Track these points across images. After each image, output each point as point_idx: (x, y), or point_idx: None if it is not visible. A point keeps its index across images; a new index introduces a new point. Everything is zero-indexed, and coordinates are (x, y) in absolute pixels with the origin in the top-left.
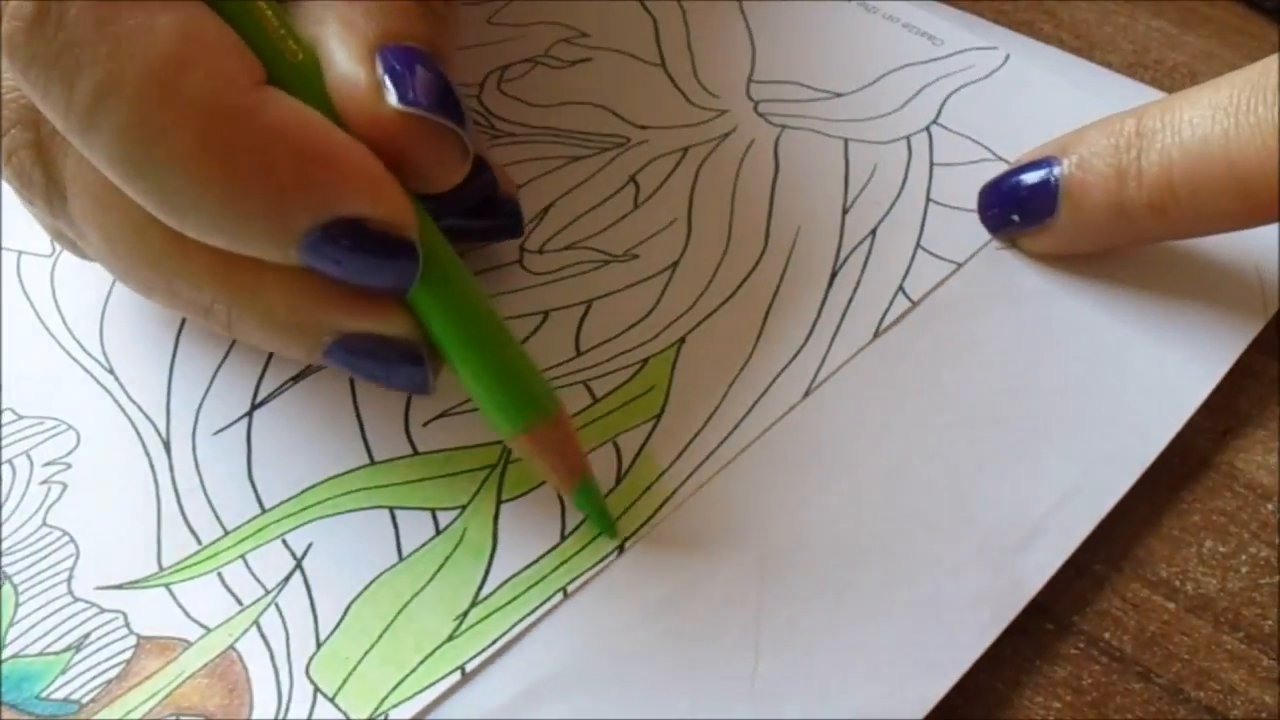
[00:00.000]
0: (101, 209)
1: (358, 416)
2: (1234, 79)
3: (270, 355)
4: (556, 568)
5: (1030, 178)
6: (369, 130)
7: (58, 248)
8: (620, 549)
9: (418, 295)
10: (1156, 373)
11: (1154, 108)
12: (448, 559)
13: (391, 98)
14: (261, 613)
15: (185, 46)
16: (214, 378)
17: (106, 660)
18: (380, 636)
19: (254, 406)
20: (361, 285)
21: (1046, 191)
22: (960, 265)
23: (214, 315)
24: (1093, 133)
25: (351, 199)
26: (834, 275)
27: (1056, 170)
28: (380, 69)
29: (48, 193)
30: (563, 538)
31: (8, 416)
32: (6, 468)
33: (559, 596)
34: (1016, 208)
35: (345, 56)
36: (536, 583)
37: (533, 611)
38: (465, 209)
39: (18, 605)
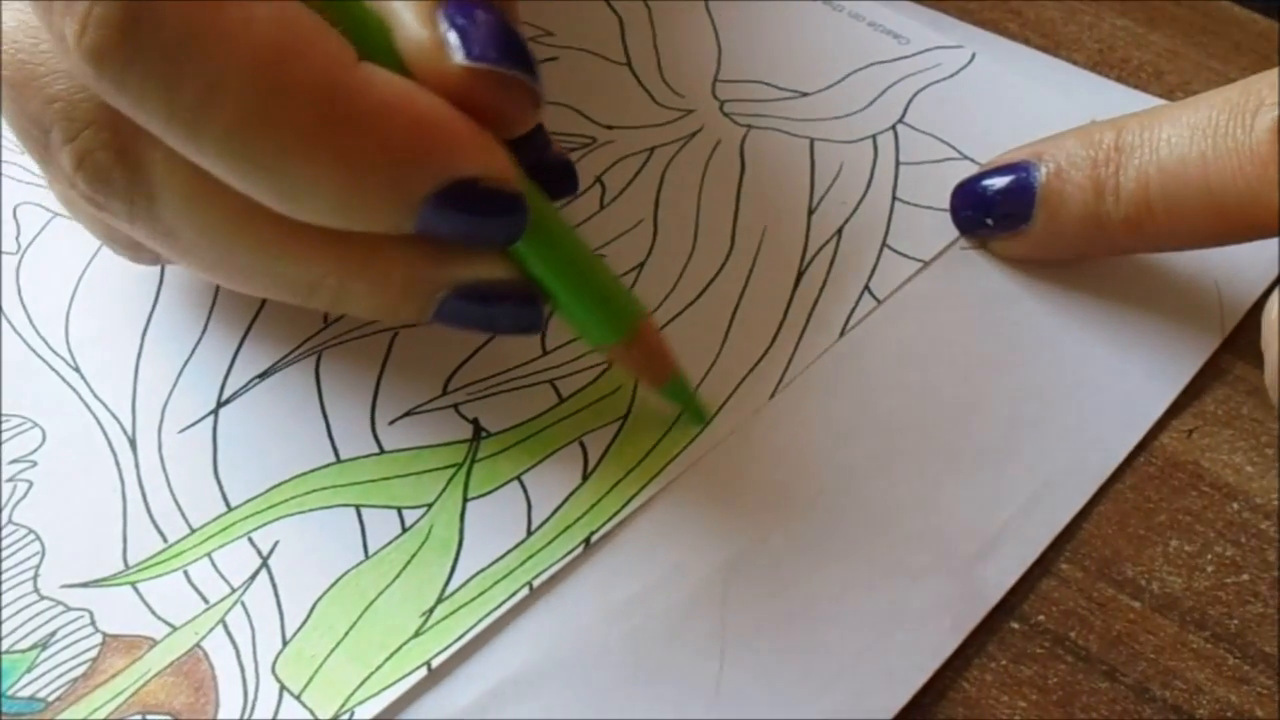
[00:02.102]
0: (199, 204)
1: (324, 415)
2: (1214, 99)
3: (236, 353)
4: (523, 562)
5: (1006, 183)
6: (440, 89)
7: (22, 244)
8: (587, 542)
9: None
10: (1116, 384)
11: (1133, 122)
12: (414, 556)
13: (457, 55)
14: (228, 611)
15: (287, 34)
16: (180, 375)
17: (72, 658)
18: (346, 634)
19: (220, 404)
20: (473, 242)
21: (1023, 199)
22: (927, 264)
23: (320, 292)
24: (1071, 142)
25: (463, 161)
26: (800, 275)
27: (1033, 178)
28: (444, 26)
29: (130, 194)
30: (529, 533)
31: None
32: None
33: (525, 591)
34: (990, 212)
35: (410, 18)
36: (502, 578)
37: (499, 606)
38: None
39: None
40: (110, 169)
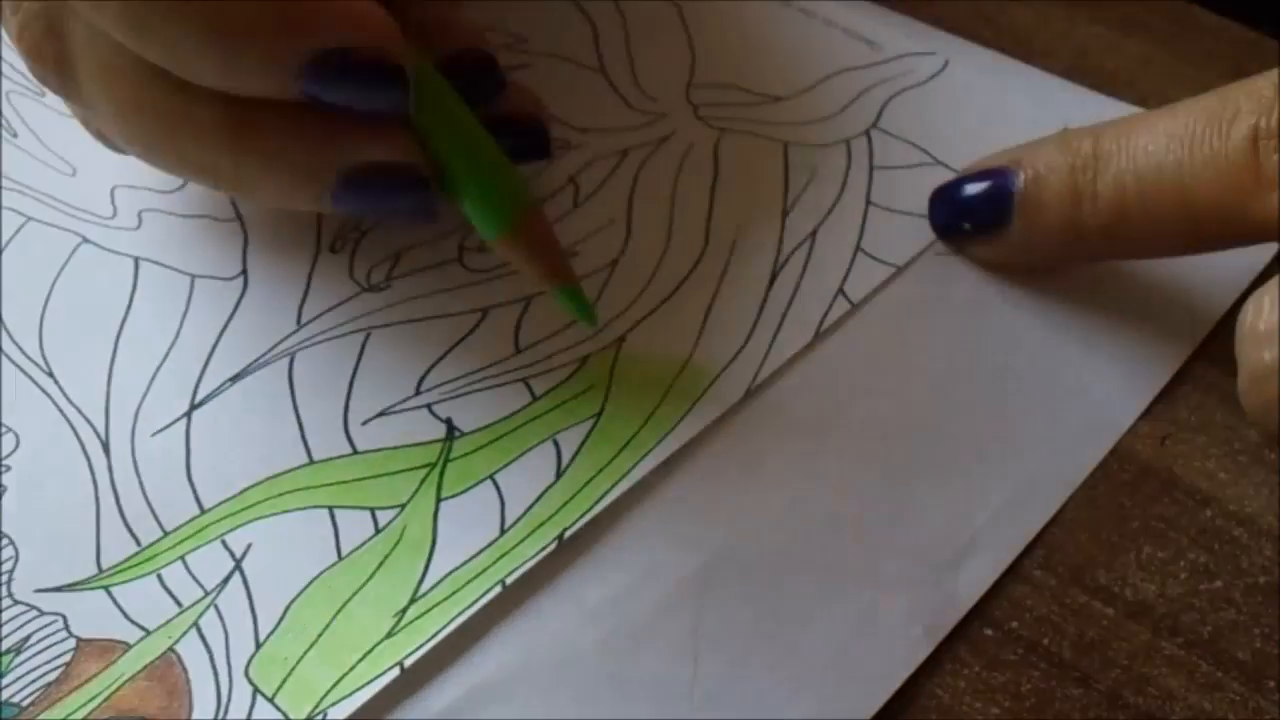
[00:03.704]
0: (109, 76)
1: (297, 416)
2: (1192, 107)
3: (209, 356)
4: (496, 561)
5: (984, 189)
6: None
7: None
8: (560, 539)
9: (419, 121)
10: (1089, 391)
11: (1111, 129)
12: (387, 557)
13: None
14: (201, 614)
15: None
16: (153, 379)
17: (46, 663)
18: (319, 636)
19: (192, 407)
20: (362, 112)
21: (1001, 204)
22: (900, 269)
23: (222, 173)
24: (1049, 148)
25: (335, 31)
26: (774, 277)
27: (1011, 184)
28: None
29: (59, 66)
30: (502, 531)
31: None
32: None
33: (498, 589)
34: (969, 216)
35: None
36: (475, 576)
37: (472, 605)
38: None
39: None
40: (41, 41)
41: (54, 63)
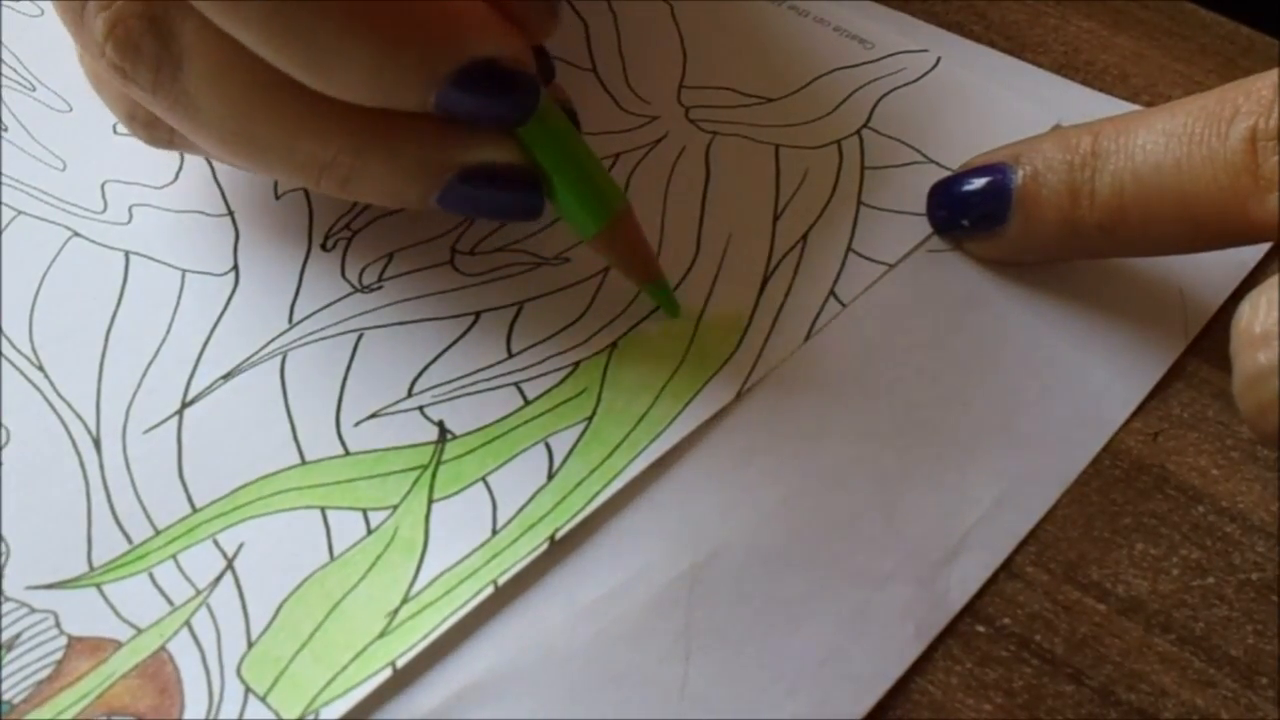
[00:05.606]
0: (225, 74)
1: (289, 416)
2: (1190, 106)
3: (200, 353)
4: (488, 561)
5: (983, 185)
6: None
7: None
8: (551, 540)
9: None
10: (1081, 388)
11: (1110, 126)
12: (379, 557)
13: None
14: (193, 613)
15: None
16: (144, 376)
17: (37, 660)
18: (311, 636)
19: (184, 405)
20: (486, 120)
21: (999, 201)
22: (891, 267)
23: (332, 170)
24: (1048, 145)
25: (486, 40)
26: (765, 281)
27: (1009, 180)
28: None
29: (157, 62)
30: (494, 532)
31: None
32: None
33: (490, 589)
34: (967, 213)
35: None
36: (467, 577)
37: (464, 605)
38: None
39: None
40: (140, 36)
41: (152, 61)
